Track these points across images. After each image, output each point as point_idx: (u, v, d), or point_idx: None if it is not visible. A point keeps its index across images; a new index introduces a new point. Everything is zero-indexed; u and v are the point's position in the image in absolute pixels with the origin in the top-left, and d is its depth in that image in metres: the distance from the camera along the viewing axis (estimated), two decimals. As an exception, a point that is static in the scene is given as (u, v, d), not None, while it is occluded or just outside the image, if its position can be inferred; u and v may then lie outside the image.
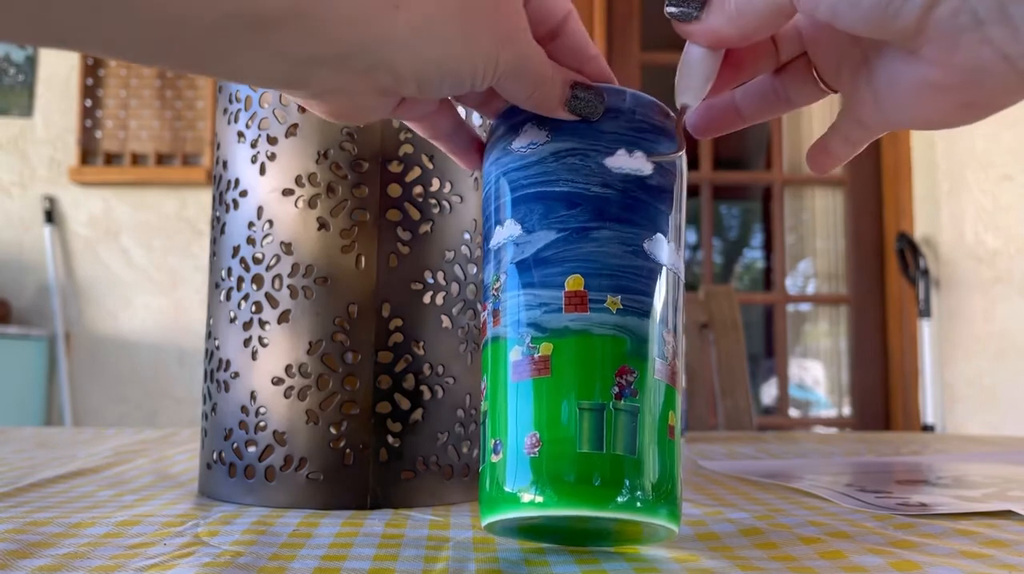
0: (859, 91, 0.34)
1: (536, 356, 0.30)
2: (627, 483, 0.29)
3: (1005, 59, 0.28)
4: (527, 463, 0.30)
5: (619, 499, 0.29)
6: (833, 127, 0.37)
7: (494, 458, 0.31)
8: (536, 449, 0.30)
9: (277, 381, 0.43)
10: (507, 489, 0.30)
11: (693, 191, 2.65)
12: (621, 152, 0.32)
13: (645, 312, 0.31)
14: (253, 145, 0.45)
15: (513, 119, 0.34)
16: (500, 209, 0.33)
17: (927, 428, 2.31)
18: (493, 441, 0.31)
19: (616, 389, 0.30)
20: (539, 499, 0.29)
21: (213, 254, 0.47)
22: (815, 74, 0.36)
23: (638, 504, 0.29)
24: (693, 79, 0.33)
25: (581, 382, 0.30)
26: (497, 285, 0.32)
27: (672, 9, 0.32)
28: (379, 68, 0.29)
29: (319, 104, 0.31)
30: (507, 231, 0.32)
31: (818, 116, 2.72)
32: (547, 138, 0.33)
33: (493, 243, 0.33)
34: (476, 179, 0.47)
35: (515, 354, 0.31)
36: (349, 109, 0.31)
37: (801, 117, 2.76)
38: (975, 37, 0.28)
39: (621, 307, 0.31)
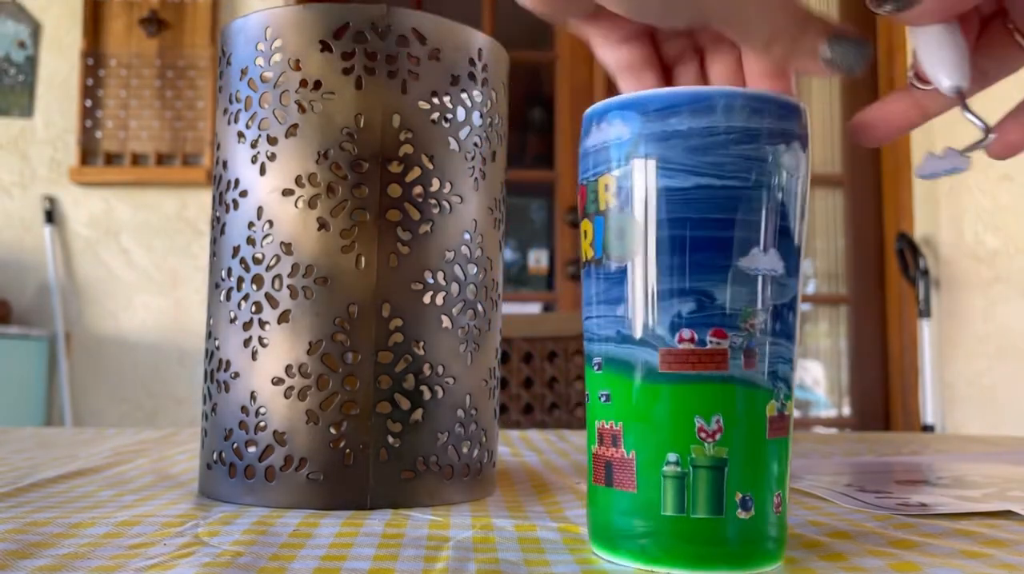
0: None
1: (785, 414, 0.31)
2: None
3: None
4: (775, 521, 0.31)
5: None
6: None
7: (743, 514, 0.29)
8: (780, 508, 0.31)
9: (277, 381, 0.43)
10: (761, 547, 0.30)
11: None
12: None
13: None
14: (253, 145, 0.45)
15: (794, 120, 0.30)
16: (771, 231, 0.30)
17: (927, 428, 2.31)
18: (741, 495, 0.29)
19: None
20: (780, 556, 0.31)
21: (213, 254, 0.47)
22: (1018, 37, 0.32)
23: None
24: (950, 59, 0.30)
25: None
26: (753, 321, 0.29)
27: (887, 7, 0.28)
28: None
29: None
30: (771, 262, 0.30)
31: (817, 114, 2.72)
32: (799, 169, 0.30)
33: (749, 265, 0.29)
34: (476, 179, 0.47)
35: (771, 409, 0.30)
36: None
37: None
38: None
39: None
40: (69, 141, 2.42)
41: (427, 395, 0.44)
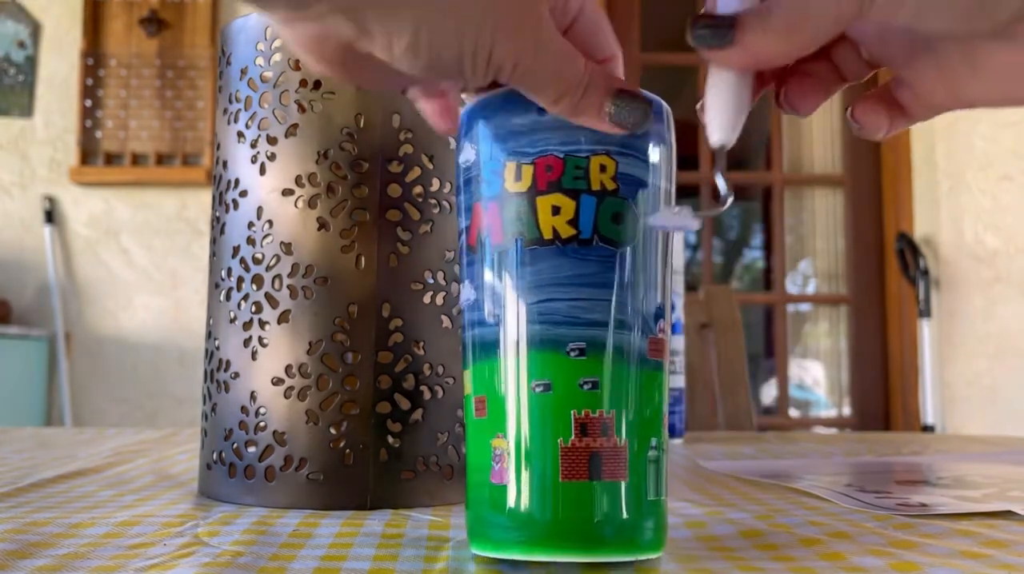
0: (924, 77, 0.31)
1: None
2: None
3: None
4: None
5: None
6: (895, 91, 0.32)
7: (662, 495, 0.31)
8: None
9: (277, 381, 0.43)
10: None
11: (693, 191, 2.65)
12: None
13: None
14: (253, 145, 0.45)
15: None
16: None
17: (927, 428, 2.31)
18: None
19: None
20: None
21: (213, 254, 0.47)
22: (863, 54, 0.32)
23: None
24: (728, 112, 0.30)
25: None
26: (668, 314, 0.33)
27: (701, 32, 0.28)
28: (338, 12, 0.25)
29: (298, 37, 0.27)
30: (677, 259, 0.34)
31: (817, 116, 2.72)
32: None
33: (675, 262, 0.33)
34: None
35: None
36: (329, 54, 0.27)
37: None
38: None
39: None
40: (69, 141, 2.42)
41: (427, 395, 0.44)
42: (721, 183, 0.30)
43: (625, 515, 0.29)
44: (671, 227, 0.30)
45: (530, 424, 0.30)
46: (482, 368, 0.31)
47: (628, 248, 0.30)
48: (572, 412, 0.29)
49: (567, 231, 0.30)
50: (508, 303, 0.30)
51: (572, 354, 0.29)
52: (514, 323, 0.30)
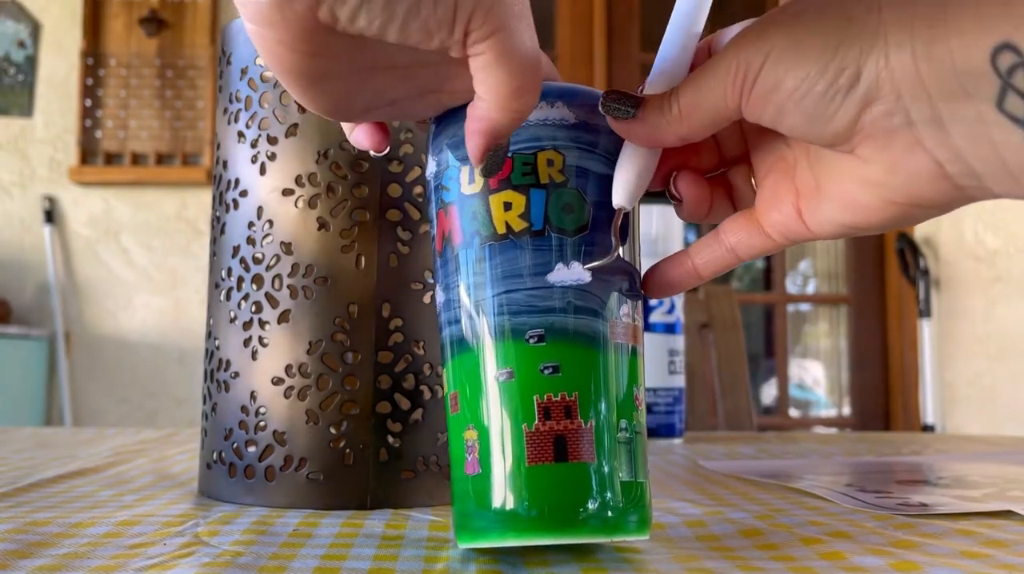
0: (779, 200, 0.32)
1: None
2: None
3: (936, 164, 0.28)
4: None
5: None
6: (721, 235, 0.34)
7: (642, 477, 0.32)
8: None
9: (277, 381, 0.43)
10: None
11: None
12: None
13: None
14: (253, 145, 0.45)
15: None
16: None
17: (927, 428, 2.31)
18: (644, 458, 0.32)
19: None
20: None
21: (213, 254, 0.47)
22: (752, 179, 0.34)
23: None
24: (632, 181, 0.31)
25: None
26: (640, 302, 0.34)
27: (610, 104, 0.31)
28: None
29: (260, 7, 0.26)
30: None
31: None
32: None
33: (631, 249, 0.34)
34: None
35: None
36: (291, 63, 0.27)
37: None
38: (907, 138, 0.27)
39: None
40: (69, 141, 2.42)
41: (427, 395, 0.44)
42: (612, 239, 0.32)
43: (596, 496, 0.29)
44: (568, 282, 0.31)
45: (496, 412, 0.30)
46: (454, 365, 0.32)
47: (582, 236, 0.31)
48: (535, 397, 0.30)
49: (519, 224, 0.31)
50: (472, 299, 0.32)
51: (531, 341, 0.30)
52: (478, 317, 0.31)
